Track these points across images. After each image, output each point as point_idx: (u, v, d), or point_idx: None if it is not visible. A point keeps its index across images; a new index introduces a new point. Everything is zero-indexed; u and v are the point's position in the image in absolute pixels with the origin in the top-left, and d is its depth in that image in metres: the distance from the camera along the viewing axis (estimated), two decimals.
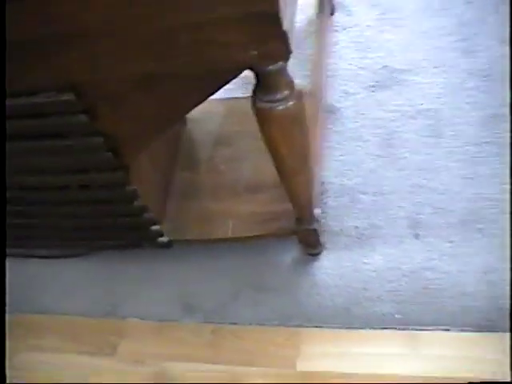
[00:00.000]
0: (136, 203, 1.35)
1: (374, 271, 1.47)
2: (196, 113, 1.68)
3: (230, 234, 1.46)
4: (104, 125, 1.14)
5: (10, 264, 1.71)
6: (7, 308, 1.64)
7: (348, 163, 1.65)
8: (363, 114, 1.72)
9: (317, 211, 1.42)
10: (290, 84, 1.04)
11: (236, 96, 1.73)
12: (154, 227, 1.44)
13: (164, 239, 1.48)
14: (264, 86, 1.03)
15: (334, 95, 1.78)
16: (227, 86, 1.04)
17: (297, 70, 1.80)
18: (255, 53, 0.93)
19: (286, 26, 0.91)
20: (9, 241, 1.59)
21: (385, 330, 1.39)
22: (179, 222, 1.51)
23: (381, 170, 1.61)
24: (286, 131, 1.10)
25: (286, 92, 1.03)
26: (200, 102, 1.07)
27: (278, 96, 1.03)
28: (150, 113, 1.11)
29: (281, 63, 0.98)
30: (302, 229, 1.41)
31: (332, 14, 1.96)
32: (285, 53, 0.95)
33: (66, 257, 1.69)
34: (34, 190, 1.36)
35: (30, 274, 1.71)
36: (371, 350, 1.37)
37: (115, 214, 1.40)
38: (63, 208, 1.41)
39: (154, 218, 1.42)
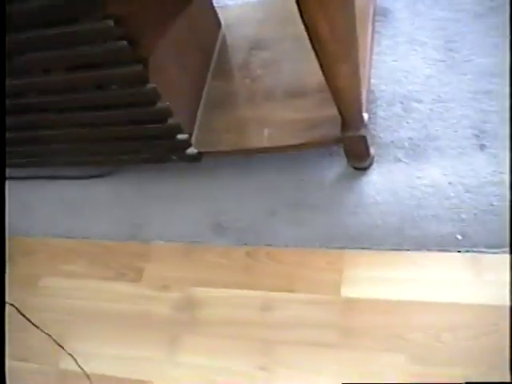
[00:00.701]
0: (159, 106, 1.19)
1: (431, 186, 1.28)
2: (231, 18, 1.53)
3: (265, 144, 1.29)
4: (114, 4, 0.98)
5: (36, 186, 1.63)
6: (33, 231, 1.55)
7: (401, 69, 1.44)
8: (420, 15, 1.50)
9: (365, 115, 1.24)
10: None
11: None
12: (181, 136, 1.29)
13: (192, 151, 1.33)
14: None
15: None
16: None
17: None
18: None
19: None
20: (34, 159, 1.48)
21: (443, 253, 1.21)
22: (210, 133, 1.35)
23: (440, 75, 1.39)
24: (326, 4, 0.91)
25: None
26: None
27: None
28: None
29: None
30: (347, 135, 1.23)
31: None
32: None
33: (92, 177, 1.56)
34: (49, 92, 1.22)
35: (58, 196, 1.60)
36: (427, 275, 1.20)
37: (137, 120, 1.25)
38: (83, 114, 1.26)
39: (180, 125, 1.26)
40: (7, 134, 1.37)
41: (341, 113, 1.19)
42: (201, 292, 1.32)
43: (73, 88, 1.19)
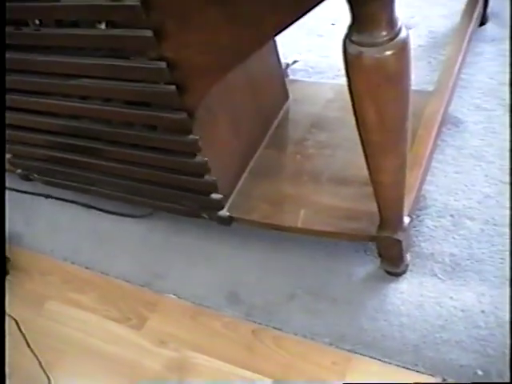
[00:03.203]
0: (197, 159, 1.17)
1: (462, 311, 1.18)
2: (300, 93, 1.53)
3: (299, 224, 1.24)
4: (170, 47, 0.98)
5: (72, 210, 1.64)
6: (57, 253, 1.55)
7: (460, 182, 1.37)
8: (494, 132, 1.44)
9: (406, 219, 1.17)
10: (391, 24, 0.81)
11: None
12: (215, 196, 1.26)
13: (224, 213, 1.30)
14: (358, 21, 0.81)
15: (461, 107, 1.51)
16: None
17: (426, 71, 1.60)
18: None
19: None
20: (76, 183, 1.49)
21: None
22: (247, 200, 1.32)
23: (499, 197, 1.31)
24: (376, 89, 0.87)
25: (384, 34, 0.80)
26: (281, 26, 0.86)
27: (374, 37, 0.80)
28: (224, 37, 0.92)
29: None
30: (382, 235, 1.16)
31: (483, 23, 1.69)
32: None
33: (126, 216, 1.56)
34: (99, 120, 1.24)
35: (89, 226, 1.60)
36: None
37: (175, 169, 1.24)
38: (126, 150, 1.26)
39: (215, 184, 1.23)
40: (58, 153, 1.39)
41: (380, 210, 1.13)
42: (195, 358, 1.26)
43: (126, 122, 1.20)
